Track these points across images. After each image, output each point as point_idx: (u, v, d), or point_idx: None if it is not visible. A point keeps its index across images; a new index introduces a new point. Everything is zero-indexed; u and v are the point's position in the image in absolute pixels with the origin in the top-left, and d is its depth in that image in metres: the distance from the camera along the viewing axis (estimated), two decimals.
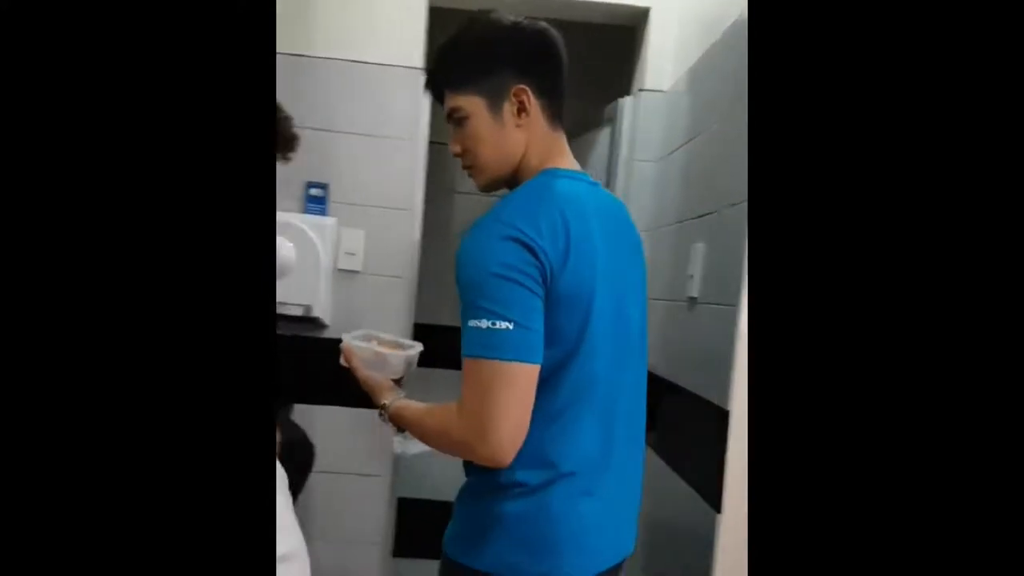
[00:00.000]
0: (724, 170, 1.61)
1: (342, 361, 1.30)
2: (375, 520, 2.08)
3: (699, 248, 1.69)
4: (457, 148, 1.19)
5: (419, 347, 1.35)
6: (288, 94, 1.89)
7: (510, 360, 1.01)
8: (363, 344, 1.30)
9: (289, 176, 1.99)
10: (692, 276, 1.70)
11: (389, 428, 1.23)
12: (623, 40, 2.36)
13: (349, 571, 2.06)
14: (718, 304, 1.57)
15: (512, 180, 1.19)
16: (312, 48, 1.99)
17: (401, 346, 1.34)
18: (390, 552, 2.18)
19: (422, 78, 2.00)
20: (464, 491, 1.18)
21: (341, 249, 2.00)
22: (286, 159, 1.45)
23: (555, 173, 1.15)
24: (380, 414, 1.23)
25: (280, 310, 1.90)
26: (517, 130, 1.15)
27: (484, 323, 1.01)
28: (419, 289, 2.13)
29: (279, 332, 1.99)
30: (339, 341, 1.29)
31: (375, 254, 2.03)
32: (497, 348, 1.01)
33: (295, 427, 1.42)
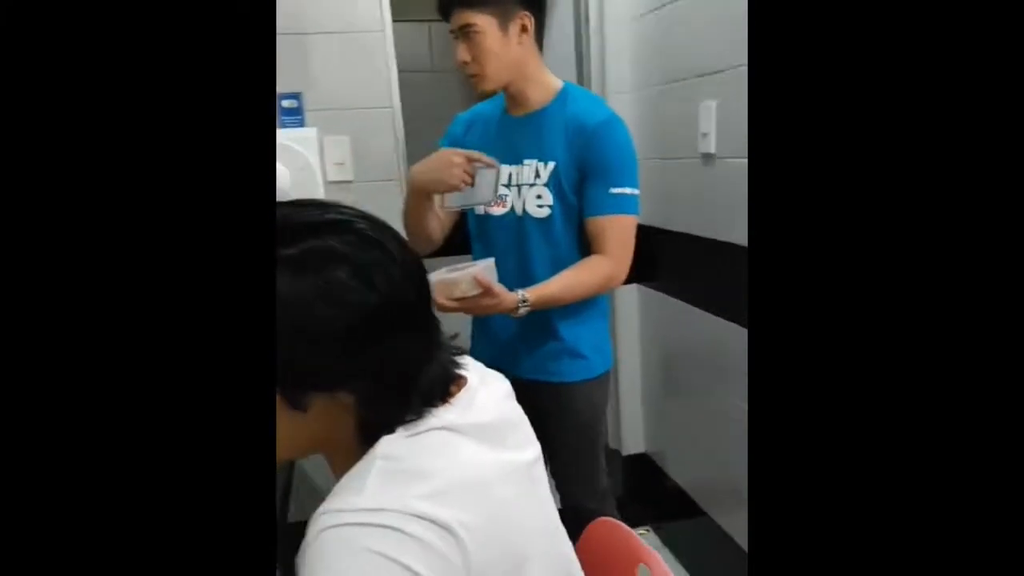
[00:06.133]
0: (715, 32, 1.61)
1: (437, 307, 1.25)
2: None
3: (710, 106, 1.67)
4: (466, 57, 1.39)
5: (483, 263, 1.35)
6: None
7: (637, 215, 1.43)
8: (437, 280, 1.26)
9: None
10: (706, 134, 1.70)
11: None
12: None
13: None
14: (734, 158, 1.62)
15: (514, 88, 1.45)
16: None
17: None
18: None
19: None
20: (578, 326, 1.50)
21: (328, 160, 1.90)
22: None
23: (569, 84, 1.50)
24: (517, 310, 1.34)
25: None
26: (518, 47, 1.40)
27: (628, 190, 1.40)
28: None
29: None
30: None
31: (363, 160, 1.93)
32: (635, 207, 1.43)
33: None
